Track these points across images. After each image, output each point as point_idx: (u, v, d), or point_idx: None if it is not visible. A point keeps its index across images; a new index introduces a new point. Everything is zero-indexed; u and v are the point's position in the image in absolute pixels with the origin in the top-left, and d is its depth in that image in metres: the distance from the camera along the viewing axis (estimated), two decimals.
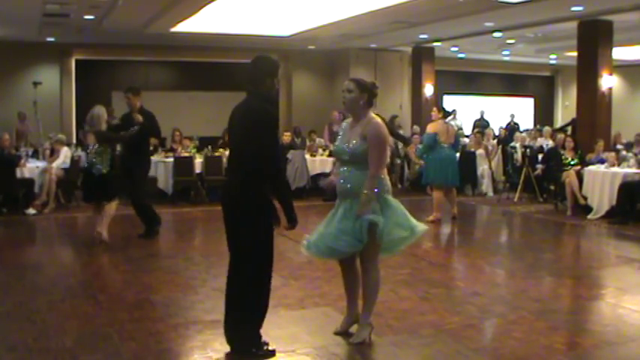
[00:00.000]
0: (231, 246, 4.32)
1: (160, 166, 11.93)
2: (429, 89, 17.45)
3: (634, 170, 10.20)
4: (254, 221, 4.17)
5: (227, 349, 4.42)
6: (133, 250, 8.06)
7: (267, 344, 4.35)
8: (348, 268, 4.71)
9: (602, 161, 10.93)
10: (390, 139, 5.23)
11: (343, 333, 4.71)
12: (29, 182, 10.62)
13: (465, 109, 19.94)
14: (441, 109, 10.48)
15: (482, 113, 19.35)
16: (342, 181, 4.60)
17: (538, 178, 12.21)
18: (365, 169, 4.49)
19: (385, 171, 4.64)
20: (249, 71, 4.32)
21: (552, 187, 11.78)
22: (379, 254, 4.60)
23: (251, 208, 4.17)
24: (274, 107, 4.28)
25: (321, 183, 11.63)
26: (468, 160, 13.41)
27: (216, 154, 12.40)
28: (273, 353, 4.33)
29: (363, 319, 4.61)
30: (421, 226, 4.67)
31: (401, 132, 15.54)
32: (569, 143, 11.39)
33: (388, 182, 4.63)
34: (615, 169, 10.35)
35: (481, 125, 18.59)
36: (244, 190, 4.18)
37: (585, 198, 10.50)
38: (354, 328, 4.70)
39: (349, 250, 4.52)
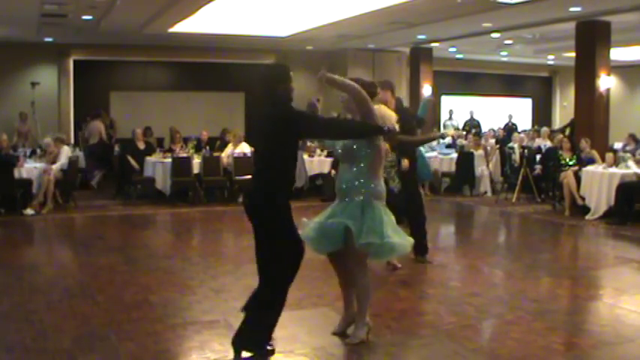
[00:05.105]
0: (257, 250, 4.34)
1: (158, 166, 11.93)
2: (427, 90, 17.45)
3: (632, 171, 10.21)
4: (276, 227, 4.25)
5: (225, 349, 4.42)
6: (131, 251, 8.06)
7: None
8: (339, 268, 4.72)
9: (590, 161, 10.96)
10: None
11: (341, 334, 4.71)
12: (27, 182, 10.60)
13: (463, 110, 19.95)
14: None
15: (471, 113, 19.40)
16: (338, 180, 4.63)
17: (536, 178, 12.22)
18: (359, 172, 4.50)
19: (381, 175, 4.63)
20: (262, 82, 4.34)
21: (550, 188, 11.81)
22: (364, 260, 4.57)
23: (273, 213, 4.24)
24: (289, 107, 4.31)
25: None
26: (467, 160, 13.43)
27: (215, 154, 12.41)
28: (272, 352, 4.34)
29: (358, 320, 4.61)
30: (398, 239, 4.51)
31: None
32: (566, 144, 11.41)
33: (382, 188, 4.60)
34: (613, 169, 10.36)
35: (470, 125, 18.64)
36: (267, 196, 4.23)
37: (583, 198, 10.51)
38: (350, 330, 4.69)
39: (322, 251, 4.59)
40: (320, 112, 4.76)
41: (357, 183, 4.51)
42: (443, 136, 14.82)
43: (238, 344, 4.30)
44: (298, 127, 4.26)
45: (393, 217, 4.61)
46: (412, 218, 7.04)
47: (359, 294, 4.58)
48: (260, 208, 4.27)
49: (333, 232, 4.48)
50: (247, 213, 4.34)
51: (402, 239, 4.56)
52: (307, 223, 4.66)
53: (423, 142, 7.02)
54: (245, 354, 4.30)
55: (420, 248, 7.01)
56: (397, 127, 4.85)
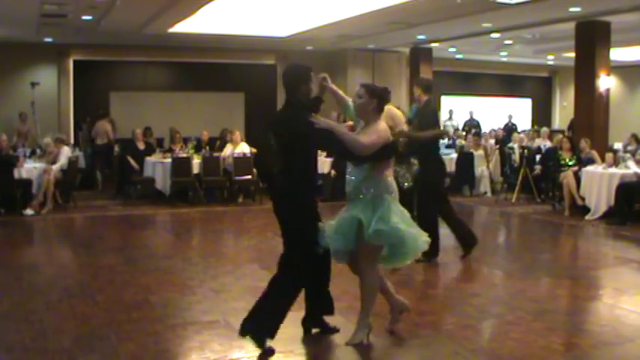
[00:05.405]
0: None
1: (158, 166, 11.94)
2: None
3: (632, 171, 10.21)
4: (299, 226, 4.45)
5: (225, 349, 4.44)
6: (130, 251, 8.06)
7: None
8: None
9: (590, 161, 10.98)
10: None
11: (393, 324, 4.78)
12: (27, 183, 10.60)
13: (462, 110, 19.96)
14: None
15: (471, 113, 19.44)
16: (347, 182, 4.65)
17: (536, 178, 12.22)
18: (364, 173, 4.52)
19: (390, 173, 4.64)
20: (284, 82, 4.58)
21: (550, 189, 11.81)
22: (375, 258, 4.57)
23: (297, 213, 4.44)
24: (311, 110, 4.52)
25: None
26: (466, 160, 13.43)
27: (215, 154, 12.41)
28: (272, 352, 4.35)
29: (360, 320, 4.60)
30: (407, 231, 4.50)
31: None
32: (566, 144, 11.41)
33: (392, 183, 4.61)
34: (613, 169, 10.36)
35: (470, 125, 18.64)
36: (291, 196, 4.46)
37: (583, 199, 10.51)
38: (351, 338, 4.64)
39: (339, 249, 4.55)
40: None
41: (365, 184, 4.52)
42: (443, 136, 14.85)
43: (246, 327, 4.39)
44: (315, 142, 4.54)
45: (405, 211, 4.62)
46: (422, 220, 6.95)
47: (365, 293, 4.56)
48: (285, 208, 4.49)
49: (347, 228, 4.48)
50: (274, 211, 4.57)
51: (412, 229, 4.55)
52: (323, 230, 4.57)
53: (427, 139, 7.04)
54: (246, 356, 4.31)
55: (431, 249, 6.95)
56: (405, 126, 4.89)
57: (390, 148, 4.56)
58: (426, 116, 7.00)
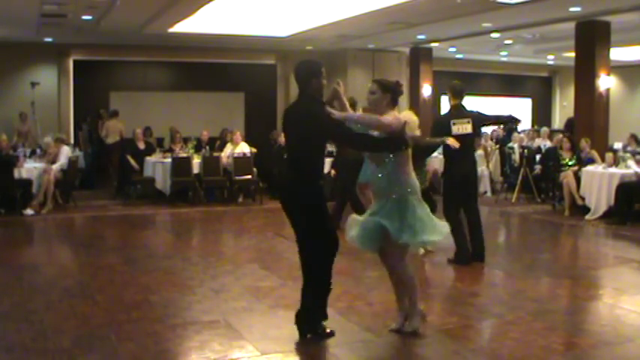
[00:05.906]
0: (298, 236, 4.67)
1: (158, 166, 11.94)
2: (426, 90, 17.45)
3: (632, 170, 10.21)
4: (309, 214, 4.53)
5: (225, 349, 4.45)
6: (130, 251, 8.06)
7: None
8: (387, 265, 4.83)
9: (590, 161, 10.98)
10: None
11: (398, 330, 4.79)
12: (27, 182, 10.60)
13: None
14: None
15: None
16: (371, 182, 4.74)
17: (536, 178, 12.22)
18: (388, 172, 4.57)
19: (411, 170, 4.68)
20: (296, 76, 4.67)
21: (550, 188, 11.80)
22: (404, 253, 4.68)
23: (306, 203, 4.52)
24: (322, 104, 4.57)
25: None
26: None
27: (215, 154, 12.41)
28: (332, 334, 4.63)
29: (411, 311, 4.74)
30: (428, 237, 4.64)
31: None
32: (566, 144, 11.41)
33: (415, 183, 4.67)
34: (613, 169, 10.36)
35: None
36: (300, 186, 4.55)
37: (583, 198, 10.51)
38: (407, 325, 4.81)
39: (364, 248, 4.72)
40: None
41: (388, 183, 4.59)
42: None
43: (305, 330, 4.61)
44: (327, 133, 4.59)
45: (428, 209, 4.70)
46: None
47: (407, 287, 4.71)
48: (296, 196, 4.56)
49: (372, 231, 4.60)
50: (283, 202, 4.65)
51: (434, 237, 4.66)
52: (353, 222, 4.75)
53: (428, 145, 7.02)
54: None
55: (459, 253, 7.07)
56: (418, 132, 4.97)
57: (404, 138, 4.55)
58: (442, 120, 7.13)
